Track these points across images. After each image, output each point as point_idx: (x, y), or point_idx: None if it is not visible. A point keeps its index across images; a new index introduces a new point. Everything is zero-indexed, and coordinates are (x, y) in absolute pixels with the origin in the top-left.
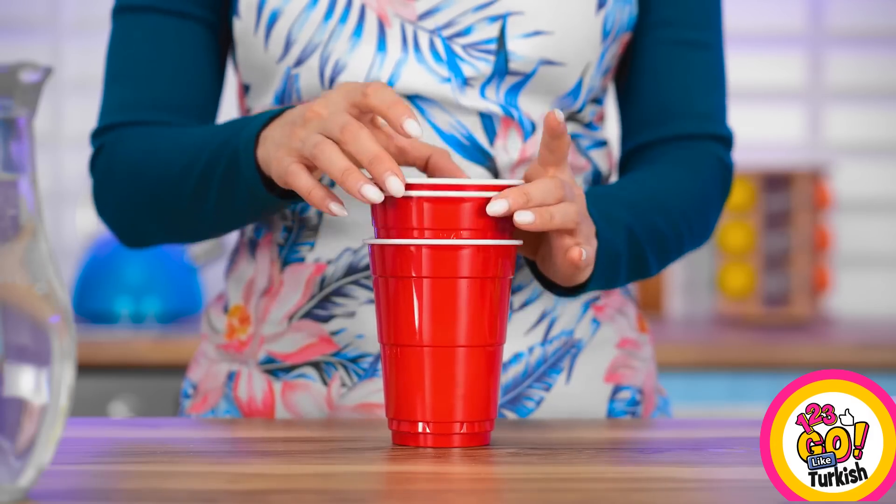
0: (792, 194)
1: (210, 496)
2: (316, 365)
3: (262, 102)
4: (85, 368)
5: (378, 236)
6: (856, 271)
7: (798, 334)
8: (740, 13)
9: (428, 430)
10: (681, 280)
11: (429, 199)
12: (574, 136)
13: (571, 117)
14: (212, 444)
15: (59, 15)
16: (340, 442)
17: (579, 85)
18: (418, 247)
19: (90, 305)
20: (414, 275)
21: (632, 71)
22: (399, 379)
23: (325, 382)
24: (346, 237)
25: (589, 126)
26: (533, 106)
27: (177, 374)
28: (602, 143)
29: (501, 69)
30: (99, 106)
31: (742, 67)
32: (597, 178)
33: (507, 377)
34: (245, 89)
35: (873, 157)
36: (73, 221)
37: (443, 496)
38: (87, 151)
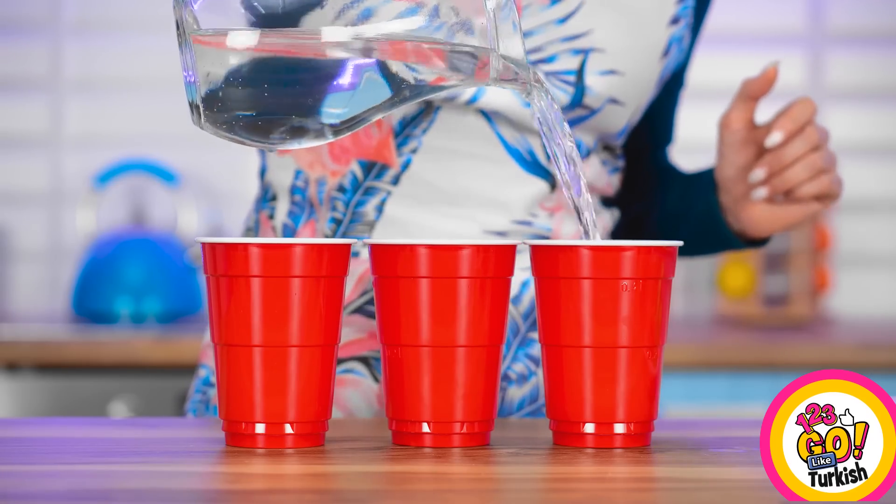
0: None
1: (210, 496)
2: (364, 360)
3: None
4: (85, 368)
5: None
6: (856, 271)
7: (798, 334)
8: (740, 13)
9: (428, 430)
10: (680, 280)
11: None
12: (604, 163)
13: (606, 147)
14: (212, 444)
15: (59, 15)
16: (340, 442)
17: (627, 126)
18: (418, 247)
19: (90, 305)
20: (414, 275)
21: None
22: (399, 379)
23: (375, 379)
24: (406, 235)
25: (616, 156)
26: (583, 136)
27: (177, 374)
28: (620, 168)
29: (576, 102)
30: None
31: (742, 67)
32: (612, 198)
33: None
34: None
35: (873, 157)
36: (73, 221)
37: (443, 496)
38: (87, 152)
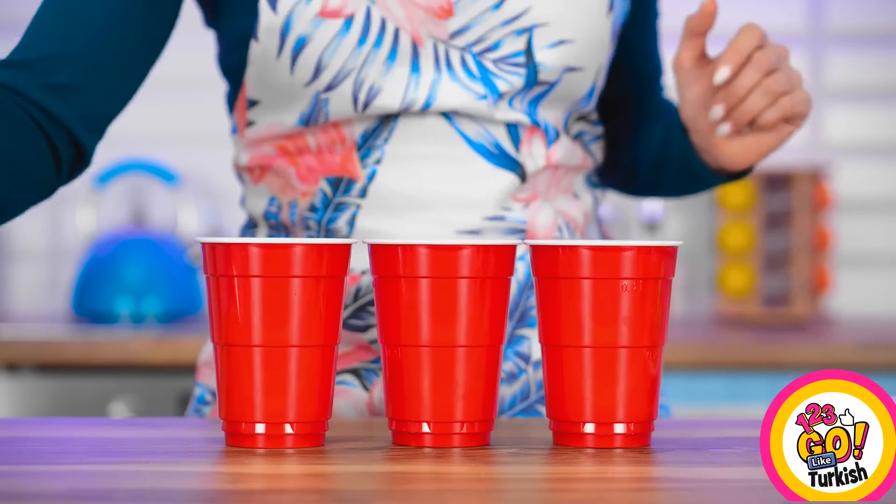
0: (792, 194)
1: (210, 496)
2: (355, 372)
3: (282, 120)
4: (85, 368)
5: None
6: (856, 271)
7: (798, 334)
8: (740, 13)
9: (428, 430)
10: (680, 280)
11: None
12: (580, 134)
13: (582, 117)
14: (212, 444)
15: None
16: (340, 442)
17: (593, 88)
18: (419, 247)
19: (90, 305)
20: (414, 275)
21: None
22: (399, 379)
23: (366, 388)
24: None
25: (592, 122)
26: (551, 114)
27: (177, 374)
28: (600, 136)
29: (531, 81)
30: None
31: None
32: (594, 172)
33: (540, 374)
34: (250, 103)
35: (873, 157)
36: (73, 221)
37: (443, 496)
38: None
